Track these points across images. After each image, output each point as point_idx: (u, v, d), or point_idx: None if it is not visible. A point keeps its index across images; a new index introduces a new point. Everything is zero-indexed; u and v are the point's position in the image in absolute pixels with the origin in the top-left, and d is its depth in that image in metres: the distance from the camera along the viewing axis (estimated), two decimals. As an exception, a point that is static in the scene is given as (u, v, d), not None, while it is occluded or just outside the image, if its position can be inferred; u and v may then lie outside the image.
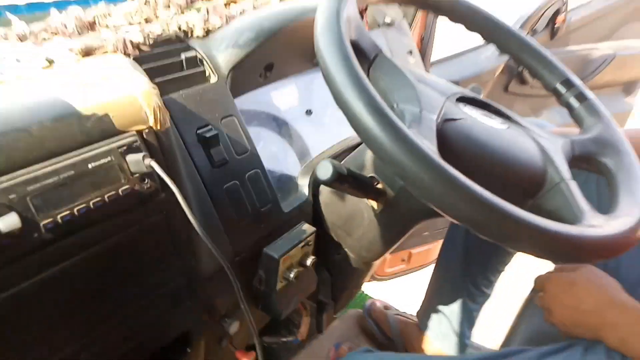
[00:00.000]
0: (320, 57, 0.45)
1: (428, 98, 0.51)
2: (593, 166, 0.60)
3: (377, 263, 0.76)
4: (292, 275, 0.63)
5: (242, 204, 0.59)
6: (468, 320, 0.99)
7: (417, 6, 0.68)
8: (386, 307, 1.16)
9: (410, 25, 1.04)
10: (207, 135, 0.56)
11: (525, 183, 0.53)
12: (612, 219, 0.48)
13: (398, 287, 1.45)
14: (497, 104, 0.62)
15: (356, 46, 0.51)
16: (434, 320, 1.02)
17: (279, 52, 0.69)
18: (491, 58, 1.30)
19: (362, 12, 0.86)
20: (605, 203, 0.54)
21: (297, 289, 0.67)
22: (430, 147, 0.43)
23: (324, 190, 0.67)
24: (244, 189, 0.59)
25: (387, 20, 0.93)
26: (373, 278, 1.41)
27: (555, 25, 1.35)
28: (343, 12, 0.49)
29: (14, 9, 0.65)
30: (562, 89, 0.66)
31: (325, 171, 0.50)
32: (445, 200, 0.39)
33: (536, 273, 0.71)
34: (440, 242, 1.04)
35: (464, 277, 0.98)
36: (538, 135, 0.57)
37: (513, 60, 0.70)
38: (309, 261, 0.65)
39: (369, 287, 1.44)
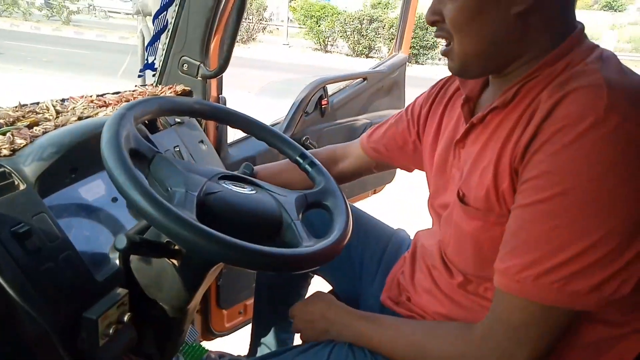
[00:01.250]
0: (106, 166, 0.65)
1: (193, 180, 0.75)
2: (322, 207, 0.90)
3: (191, 309, 0.95)
4: (111, 331, 0.78)
5: (58, 281, 0.74)
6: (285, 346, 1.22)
7: (184, 115, 0.94)
8: (221, 355, 1.32)
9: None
10: (20, 231, 0.71)
11: (269, 226, 0.79)
12: (321, 240, 0.77)
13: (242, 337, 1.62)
14: (251, 177, 0.89)
15: (136, 152, 0.73)
16: (258, 353, 1.22)
17: (81, 158, 0.87)
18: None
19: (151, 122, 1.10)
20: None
21: (119, 344, 0.82)
22: (190, 215, 0.66)
23: (134, 258, 0.85)
24: (58, 269, 0.74)
25: (178, 120, 1.18)
26: (214, 335, 1.56)
27: (322, 107, 1.77)
28: (122, 130, 0.71)
29: None
30: (300, 159, 0.97)
31: (120, 243, 0.69)
32: (206, 249, 0.61)
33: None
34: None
35: (274, 313, 1.21)
36: (276, 194, 0.85)
37: (267, 144, 1.00)
38: (125, 317, 0.81)
39: (211, 344, 1.58)
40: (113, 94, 1.15)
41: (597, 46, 0.68)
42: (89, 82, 7.36)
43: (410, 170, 1.06)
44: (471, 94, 0.79)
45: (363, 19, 13.43)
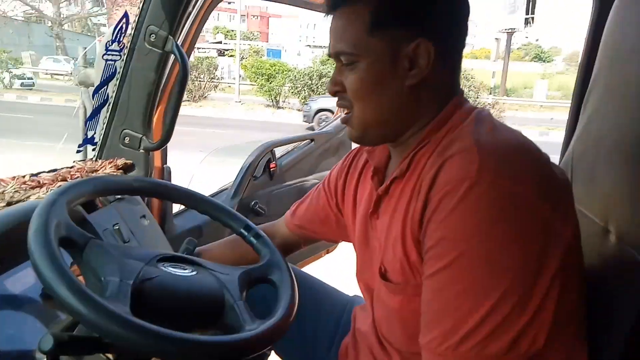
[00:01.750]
0: (32, 260, 0.60)
1: (129, 267, 0.71)
2: (268, 282, 0.87)
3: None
4: None
5: None
6: None
7: (122, 194, 0.91)
8: None
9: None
10: None
11: (211, 309, 0.76)
12: (265, 321, 0.74)
13: None
14: (192, 257, 0.86)
15: (68, 240, 0.69)
16: None
17: (8, 248, 0.82)
18: (226, 201, 1.62)
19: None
20: None
21: None
22: (122, 308, 0.62)
23: (64, 358, 0.78)
24: None
25: (118, 196, 1.13)
26: None
27: (271, 170, 1.77)
28: (52, 219, 0.67)
29: None
30: (244, 232, 0.95)
31: (46, 344, 0.64)
32: (140, 344, 0.57)
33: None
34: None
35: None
36: (219, 273, 0.82)
37: (211, 218, 0.97)
38: None
39: None
40: (49, 172, 1.10)
41: (475, 108, 0.73)
42: (30, 148, 7.12)
43: (337, 242, 1.07)
44: (379, 164, 0.82)
45: (313, 75, 13.90)
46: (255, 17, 60.43)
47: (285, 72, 14.49)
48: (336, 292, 1.13)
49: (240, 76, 16.31)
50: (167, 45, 1.14)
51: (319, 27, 69.22)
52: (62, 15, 29.45)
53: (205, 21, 1.37)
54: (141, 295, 0.68)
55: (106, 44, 1.17)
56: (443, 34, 0.70)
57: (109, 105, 1.24)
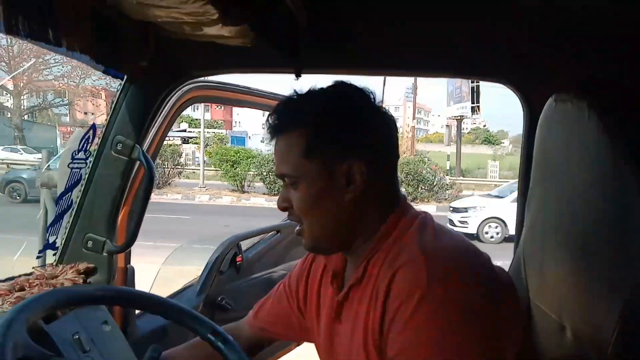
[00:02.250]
0: None
1: None
2: None
3: None
4: None
5: None
6: None
7: (84, 305, 0.89)
8: None
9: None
10: None
11: None
12: None
13: None
14: None
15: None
16: None
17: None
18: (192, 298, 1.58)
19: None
20: None
21: None
22: None
23: None
24: None
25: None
26: None
27: (238, 263, 1.77)
28: (9, 340, 0.65)
29: None
30: (212, 337, 0.93)
31: None
32: None
33: None
34: None
35: None
36: None
37: (176, 323, 0.96)
38: None
39: None
40: (5, 280, 1.07)
41: (419, 213, 0.79)
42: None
43: (300, 343, 1.07)
44: (336, 268, 0.86)
45: (277, 161, 14.20)
46: (219, 107, 62.39)
47: (250, 159, 14.77)
48: None
49: (204, 162, 16.47)
50: (133, 153, 1.18)
51: (281, 114, 71.78)
52: (22, 107, 29.54)
53: (171, 127, 1.44)
54: None
55: (72, 152, 1.20)
56: (372, 153, 0.78)
57: (72, 210, 1.25)
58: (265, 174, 14.14)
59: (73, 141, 1.37)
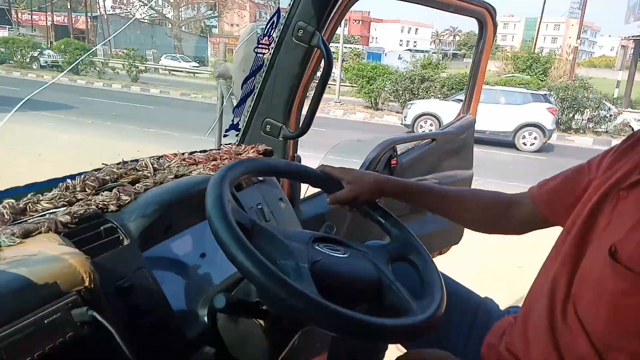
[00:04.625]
0: (220, 241, 0.66)
1: (297, 250, 0.75)
2: (408, 262, 0.87)
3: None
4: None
5: (155, 336, 0.74)
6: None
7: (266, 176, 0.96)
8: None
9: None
10: (124, 285, 0.73)
11: (370, 289, 0.78)
12: (425, 304, 0.74)
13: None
14: (336, 237, 0.88)
15: (237, 224, 0.75)
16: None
17: (177, 215, 0.91)
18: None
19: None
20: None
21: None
22: (313, 291, 0.66)
23: (221, 317, 0.85)
24: (155, 324, 0.75)
25: (259, 178, 1.21)
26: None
27: (392, 166, 1.77)
28: (225, 197, 0.73)
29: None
30: (370, 209, 0.96)
31: (220, 302, 0.69)
32: (328, 324, 0.63)
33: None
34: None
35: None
36: (369, 255, 0.83)
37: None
38: (213, 379, 0.80)
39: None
40: (201, 152, 1.21)
41: None
42: (150, 134, 7.87)
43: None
44: None
45: (414, 79, 13.68)
46: (357, 21, 60.93)
47: (386, 75, 14.42)
48: (468, 291, 1.10)
49: (340, 78, 16.55)
50: (313, 40, 1.19)
51: (420, 31, 67.93)
52: (180, 18, 32.14)
53: (343, 17, 1.41)
54: (313, 277, 0.71)
55: (258, 37, 1.25)
56: None
57: (253, 95, 1.33)
58: (400, 91, 13.76)
59: (247, 33, 1.43)
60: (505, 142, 10.15)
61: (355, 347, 1.18)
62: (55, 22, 31.86)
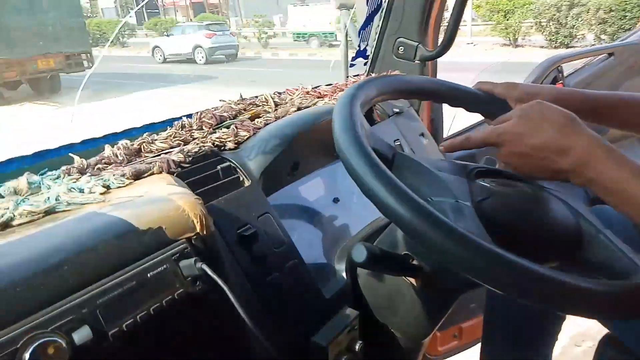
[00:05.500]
0: (348, 164, 0.48)
1: (455, 185, 0.55)
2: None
3: (426, 342, 0.76)
4: (342, 362, 0.63)
5: (285, 295, 0.62)
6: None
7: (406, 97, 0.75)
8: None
9: (418, 110, 1.13)
10: (247, 233, 0.61)
11: (566, 238, 0.55)
12: None
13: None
14: (508, 171, 0.65)
15: (374, 151, 0.56)
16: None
17: (302, 152, 0.76)
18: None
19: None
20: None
21: (349, 376, 0.67)
22: (484, 236, 0.46)
23: (362, 273, 0.69)
24: (285, 280, 0.62)
25: (396, 109, 1.01)
26: (426, 358, 1.35)
27: (557, 90, 1.43)
28: (356, 116, 0.55)
29: (72, 147, 0.75)
30: None
31: (359, 254, 0.53)
32: (504, 281, 0.41)
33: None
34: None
35: (513, 351, 0.94)
36: (558, 192, 0.60)
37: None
38: (357, 346, 0.66)
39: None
40: (326, 85, 1.05)
41: None
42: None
43: None
44: None
45: (561, 6, 11.83)
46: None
47: (526, 6, 12.71)
48: None
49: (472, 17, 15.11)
50: None
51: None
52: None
53: None
54: (481, 220, 0.51)
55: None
56: None
57: (381, 12, 1.11)
58: (544, 23, 12.03)
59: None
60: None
61: (519, 311, 0.95)
62: (193, 1, 34.63)
